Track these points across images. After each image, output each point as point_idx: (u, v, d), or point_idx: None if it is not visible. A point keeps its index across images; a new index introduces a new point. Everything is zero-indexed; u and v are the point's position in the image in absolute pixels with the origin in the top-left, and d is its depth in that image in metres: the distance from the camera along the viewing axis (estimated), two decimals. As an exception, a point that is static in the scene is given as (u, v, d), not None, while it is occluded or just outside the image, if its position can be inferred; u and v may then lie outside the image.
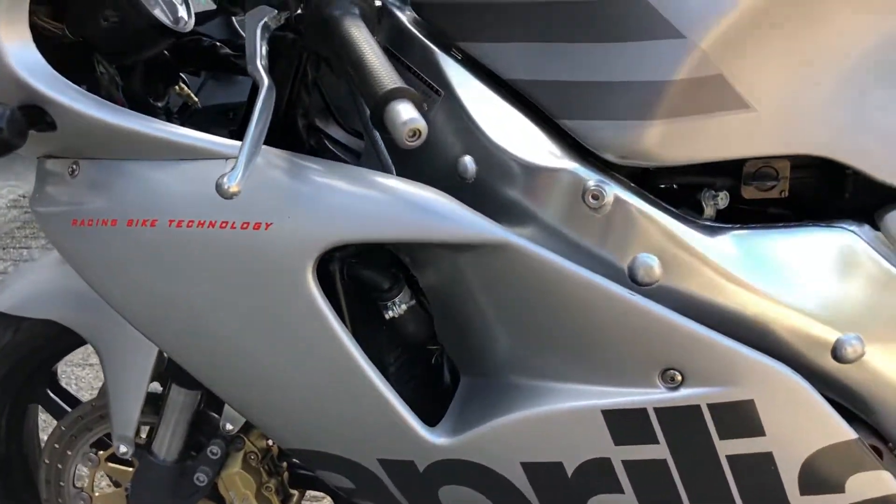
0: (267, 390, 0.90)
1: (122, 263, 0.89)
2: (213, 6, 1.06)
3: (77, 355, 2.14)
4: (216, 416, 1.16)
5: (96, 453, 1.24)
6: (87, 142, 0.88)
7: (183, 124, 1.11)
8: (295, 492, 1.23)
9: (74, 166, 0.91)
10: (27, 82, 0.83)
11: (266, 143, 0.79)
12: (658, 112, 0.77)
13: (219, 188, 0.72)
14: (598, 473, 0.85)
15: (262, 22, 0.82)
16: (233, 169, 0.72)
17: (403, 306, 0.89)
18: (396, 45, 0.91)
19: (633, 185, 0.81)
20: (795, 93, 0.78)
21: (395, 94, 0.66)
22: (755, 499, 0.83)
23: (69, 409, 1.26)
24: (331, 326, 0.85)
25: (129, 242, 0.87)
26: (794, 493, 0.82)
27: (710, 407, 0.80)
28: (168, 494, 1.15)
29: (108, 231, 0.88)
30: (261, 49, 0.80)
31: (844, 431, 0.80)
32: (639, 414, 0.82)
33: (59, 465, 1.25)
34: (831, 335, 0.80)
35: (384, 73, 0.68)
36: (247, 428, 1.15)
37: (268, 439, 1.19)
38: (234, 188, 0.72)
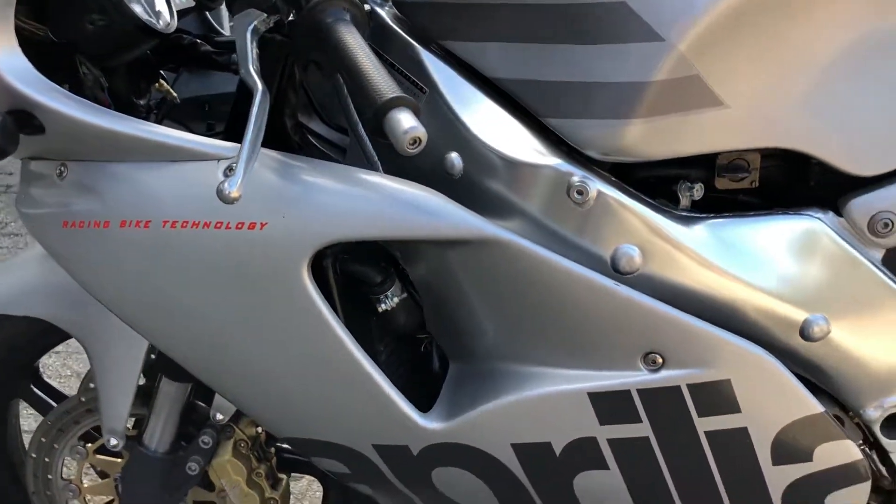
0: (264, 382, 0.93)
1: (117, 264, 0.90)
2: (192, 3, 1.06)
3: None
4: (205, 406, 1.19)
5: (84, 446, 1.25)
6: (76, 144, 0.89)
7: (162, 119, 1.13)
8: (283, 476, 1.27)
9: (62, 168, 0.91)
10: (16, 88, 0.84)
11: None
12: (638, 111, 0.81)
13: (220, 194, 0.74)
14: (584, 452, 0.90)
15: (252, 26, 0.83)
16: (233, 174, 0.74)
17: (395, 299, 0.92)
18: (379, 41, 0.93)
19: (614, 179, 0.85)
20: (766, 90, 0.82)
21: (395, 103, 0.69)
22: (732, 471, 0.89)
23: (54, 404, 1.27)
24: (325, 320, 0.87)
25: (123, 244, 0.88)
26: (768, 465, 0.88)
27: (690, 387, 0.85)
28: (160, 484, 1.17)
29: (102, 233, 0.89)
30: (252, 53, 0.81)
31: (812, 405, 0.86)
32: (622, 395, 0.87)
33: (47, 459, 1.26)
34: (800, 316, 0.85)
35: (382, 81, 0.70)
36: (236, 417, 1.18)
37: (257, 427, 1.21)
38: (234, 193, 0.74)
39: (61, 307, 1.15)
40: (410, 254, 0.91)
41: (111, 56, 0.95)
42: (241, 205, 0.83)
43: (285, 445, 1.28)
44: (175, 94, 1.12)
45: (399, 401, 0.91)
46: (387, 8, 0.99)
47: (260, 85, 0.79)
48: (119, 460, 1.26)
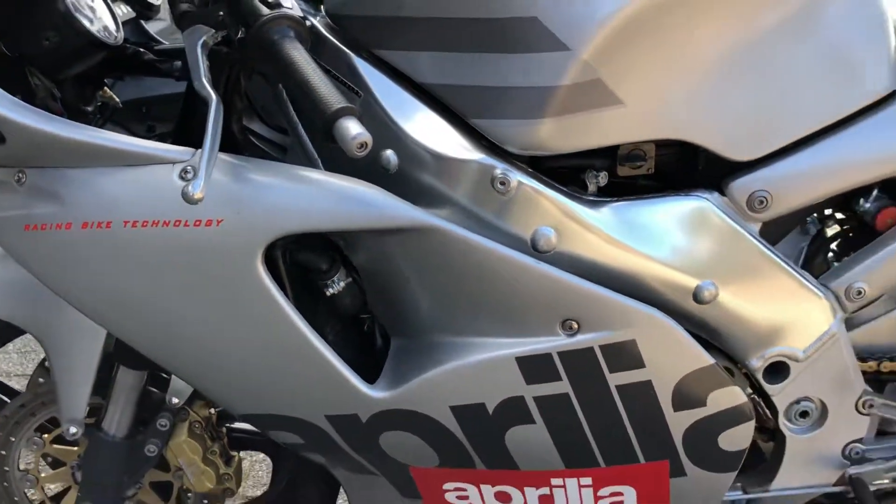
0: (224, 365, 1.02)
1: (80, 264, 0.96)
2: (133, 14, 1.13)
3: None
4: (159, 392, 1.26)
5: (41, 437, 1.31)
6: (35, 152, 0.94)
7: (105, 123, 1.19)
8: (235, 454, 1.36)
9: (20, 175, 0.96)
10: None
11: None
12: (549, 111, 0.93)
13: (185, 195, 0.83)
14: (514, 409, 1.02)
15: (202, 41, 0.91)
16: (195, 177, 0.83)
17: (341, 284, 1.02)
18: (315, 50, 1.02)
19: (531, 170, 0.97)
20: (658, 90, 0.95)
21: (342, 113, 0.78)
22: (639, 418, 1.03)
23: (6, 399, 1.32)
24: (279, 304, 0.97)
25: (85, 244, 0.94)
26: (669, 411, 1.02)
27: (602, 348, 0.98)
28: (120, 467, 1.24)
29: (64, 234, 0.95)
30: (204, 67, 0.89)
31: (705, 359, 1.01)
32: (545, 358, 0.99)
33: (3, 452, 1.32)
34: (692, 282, 0.99)
35: (329, 93, 0.80)
36: (190, 400, 1.26)
37: (210, 408, 1.30)
38: (198, 195, 0.83)
39: (13, 303, 1.19)
40: (353, 242, 1.01)
41: (63, 69, 1.01)
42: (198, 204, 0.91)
43: (236, 425, 1.36)
44: (117, 100, 1.19)
45: (348, 374, 1.01)
46: (319, 17, 1.08)
47: (214, 96, 0.87)
48: (75, 448, 1.32)
